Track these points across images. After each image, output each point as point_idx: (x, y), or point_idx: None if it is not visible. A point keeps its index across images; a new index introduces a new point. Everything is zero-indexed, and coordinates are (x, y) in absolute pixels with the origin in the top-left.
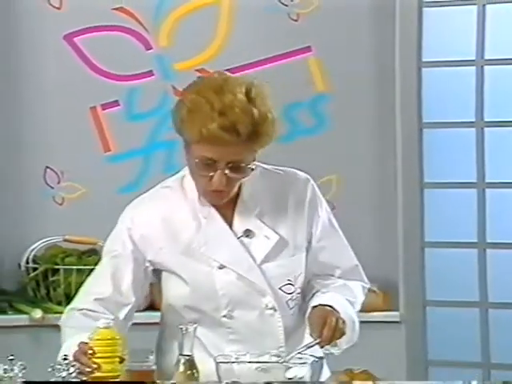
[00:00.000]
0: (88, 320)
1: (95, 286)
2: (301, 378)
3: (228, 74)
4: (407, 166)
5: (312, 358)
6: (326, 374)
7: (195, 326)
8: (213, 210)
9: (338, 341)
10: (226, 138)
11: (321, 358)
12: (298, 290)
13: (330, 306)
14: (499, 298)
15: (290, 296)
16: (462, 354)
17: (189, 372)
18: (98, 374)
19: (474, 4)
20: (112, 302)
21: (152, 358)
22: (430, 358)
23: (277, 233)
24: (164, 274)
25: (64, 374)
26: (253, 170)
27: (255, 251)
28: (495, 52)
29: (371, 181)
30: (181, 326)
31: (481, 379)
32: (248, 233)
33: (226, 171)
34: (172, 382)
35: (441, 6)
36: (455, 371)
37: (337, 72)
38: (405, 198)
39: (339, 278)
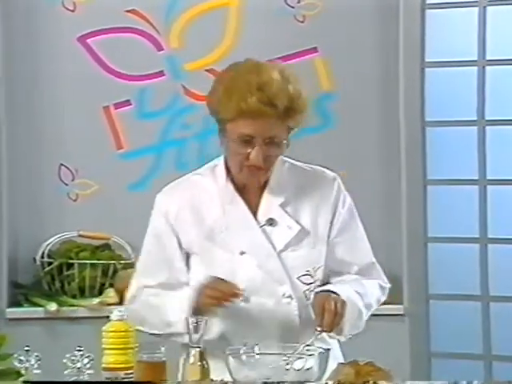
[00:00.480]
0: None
1: (150, 276)
2: (308, 368)
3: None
4: (411, 164)
5: (319, 350)
6: (332, 364)
7: (206, 318)
8: (238, 198)
9: (342, 327)
10: (264, 112)
11: (327, 350)
12: (318, 283)
13: (332, 292)
14: (500, 291)
15: (307, 287)
16: (464, 346)
17: (199, 363)
18: (111, 365)
19: (476, 6)
20: (172, 285)
21: (163, 349)
22: (433, 350)
23: (299, 223)
24: (192, 260)
25: (79, 365)
26: (288, 146)
27: (276, 240)
28: (496, 52)
29: (376, 178)
30: (191, 319)
31: (482, 371)
32: (271, 221)
33: (264, 147)
34: None
35: (443, 7)
36: (457, 363)
37: (342, 72)
38: (408, 195)
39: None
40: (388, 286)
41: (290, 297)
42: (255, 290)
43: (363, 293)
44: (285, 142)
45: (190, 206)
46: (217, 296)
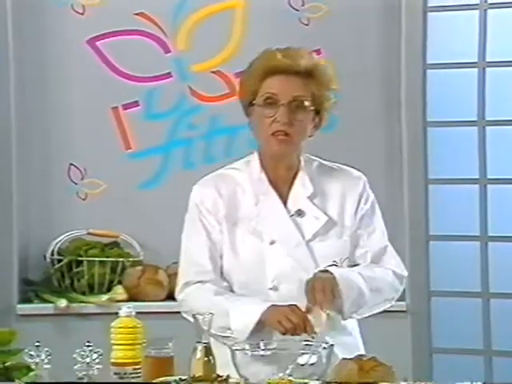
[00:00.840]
0: (219, 287)
1: (197, 263)
2: (312, 364)
3: None
4: (412, 163)
5: (323, 345)
6: (335, 359)
7: (211, 315)
8: (271, 189)
9: (341, 304)
10: (287, 65)
11: (331, 345)
12: None
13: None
14: (500, 288)
15: None
16: (465, 341)
17: (205, 359)
18: (119, 360)
19: (476, 9)
20: (217, 270)
21: (171, 345)
22: (434, 346)
23: (326, 214)
24: (224, 250)
25: (88, 360)
26: (314, 111)
27: (305, 230)
28: (496, 54)
29: (378, 177)
30: (197, 315)
31: (482, 366)
32: (299, 212)
33: (289, 109)
34: None
35: (444, 10)
36: (458, 358)
37: (345, 73)
38: (410, 194)
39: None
40: (405, 273)
41: None
42: (284, 278)
43: (369, 275)
44: (310, 110)
45: (224, 197)
46: (288, 327)
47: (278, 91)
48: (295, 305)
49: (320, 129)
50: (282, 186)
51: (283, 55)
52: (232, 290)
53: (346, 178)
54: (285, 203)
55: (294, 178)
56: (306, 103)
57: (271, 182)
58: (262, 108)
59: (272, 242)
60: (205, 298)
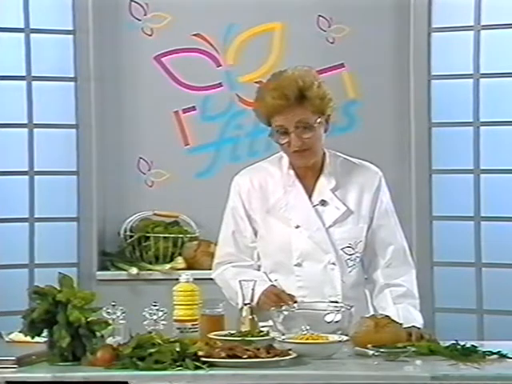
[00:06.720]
0: (238, 268)
1: (226, 245)
2: (337, 321)
3: None
4: (419, 157)
5: (346, 307)
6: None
7: (254, 281)
8: (297, 182)
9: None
10: (279, 104)
11: (351, 307)
12: (358, 254)
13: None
14: (490, 259)
15: (349, 256)
16: (461, 302)
17: (250, 317)
18: (180, 317)
19: (471, 30)
20: (243, 250)
21: (222, 305)
22: (436, 306)
23: (345, 205)
24: (258, 235)
25: (155, 317)
26: (326, 130)
27: (326, 217)
28: (488, 67)
29: (390, 168)
30: (242, 281)
31: (475, 322)
32: (323, 202)
33: (297, 132)
34: None
35: (445, 31)
36: (456, 316)
37: (365, 83)
38: (417, 181)
39: (391, 258)
40: (415, 270)
41: (334, 264)
42: (307, 256)
43: (415, 302)
44: (316, 125)
45: (259, 186)
46: (274, 300)
47: (284, 123)
48: (274, 285)
49: (329, 129)
50: (309, 180)
51: (272, 97)
52: (259, 266)
53: (365, 172)
54: (311, 194)
55: (320, 171)
56: (310, 121)
57: (298, 177)
58: (278, 137)
59: (297, 227)
60: (224, 281)
